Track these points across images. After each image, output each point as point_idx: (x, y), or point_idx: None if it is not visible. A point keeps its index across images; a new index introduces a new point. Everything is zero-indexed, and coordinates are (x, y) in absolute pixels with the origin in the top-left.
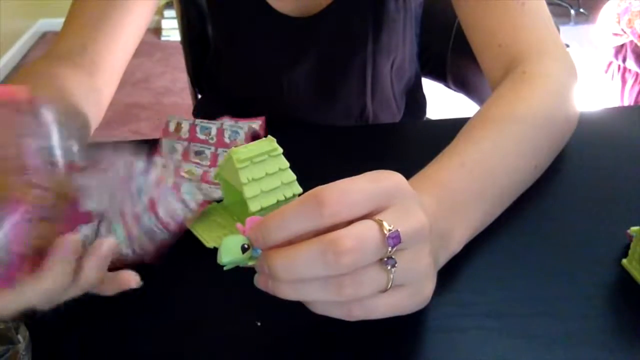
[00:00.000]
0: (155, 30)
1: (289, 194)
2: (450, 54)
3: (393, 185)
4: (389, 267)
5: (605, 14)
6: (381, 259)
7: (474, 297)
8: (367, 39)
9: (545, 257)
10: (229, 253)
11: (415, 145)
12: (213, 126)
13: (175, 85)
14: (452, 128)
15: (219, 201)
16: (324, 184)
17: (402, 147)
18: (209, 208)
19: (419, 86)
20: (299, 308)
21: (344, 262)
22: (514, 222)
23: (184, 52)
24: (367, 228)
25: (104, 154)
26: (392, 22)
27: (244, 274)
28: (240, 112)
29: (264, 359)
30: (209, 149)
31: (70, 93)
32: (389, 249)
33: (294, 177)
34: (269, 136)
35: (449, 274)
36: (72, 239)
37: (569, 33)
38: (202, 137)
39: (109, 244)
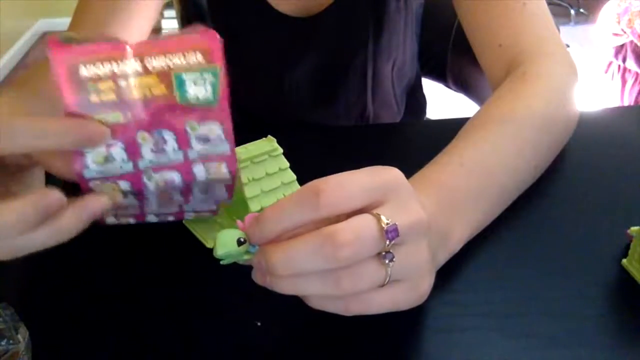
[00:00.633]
0: (155, 30)
1: (289, 194)
2: (450, 54)
3: (391, 179)
4: (387, 262)
5: (605, 14)
6: (379, 254)
7: (474, 297)
8: (367, 39)
9: (545, 257)
10: (224, 246)
11: (415, 145)
12: None
13: None
14: (452, 128)
15: None
16: None
17: (402, 147)
18: None
19: (419, 86)
20: (298, 308)
21: (341, 255)
22: (514, 222)
23: None
24: (365, 222)
25: None
26: (393, 22)
27: (243, 274)
28: (241, 111)
29: (264, 359)
30: None
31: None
32: (387, 243)
33: (294, 177)
34: (269, 136)
35: (449, 274)
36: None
37: (569, 33)
38: None
39: (101, 203)
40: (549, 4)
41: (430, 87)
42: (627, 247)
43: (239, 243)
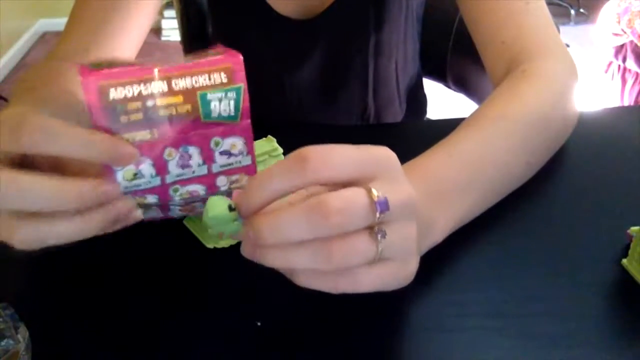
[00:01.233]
0: (155, 30)
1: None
2: (450, 54)
3: (382, 156)
4: (378, 237)
5: (605, 14)
6: (371, 229)
7: (474, 297)
8: (368, 40)
9: (545, 257)
10: (214, 209)
11: (415, 145)
12: None
13: None
14: (452, 128)
15: None
16: None
17: (402, 147)
18: None
19: (420, 85)
20: (298, 308)
21: (331, 222)
22: (514, 222)
23: (184, 52)
24: (354, 192)
25: None
26: (394, 22)
27: (243, 274)
28: None
29: (264, 359)
30: None
31: (74, 93)
32: (377, 215)
33: None
34: (269, 136)
35: (449, 274)
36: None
37: (569, 33)
38: None
39: (126, 204)
40: (549, 4)
41: (430, 87)
42: (627, 247)
43: (230, 209)
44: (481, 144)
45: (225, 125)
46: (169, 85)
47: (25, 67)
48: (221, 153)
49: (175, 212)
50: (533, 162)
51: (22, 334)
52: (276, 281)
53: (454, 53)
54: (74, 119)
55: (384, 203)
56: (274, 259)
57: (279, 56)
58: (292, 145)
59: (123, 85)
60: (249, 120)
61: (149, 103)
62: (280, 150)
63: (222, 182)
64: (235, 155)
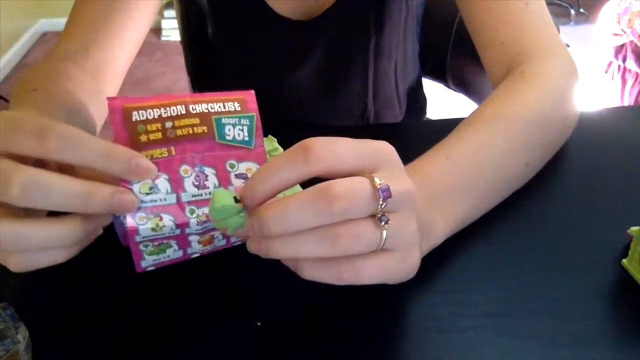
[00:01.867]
0: (155, 30)
1: (289, 194)
2: (450, 54)
3: (383, 149)
4: (382, 224)
5: (605, 14)
6: (375, 216)
7: (473, 297)
8: (368, 40)
9: (545, 257)
10: (220, 200)
11: (415, 145)
12: None
13: (175, 85)
14: (452, 128)
15: None
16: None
17: (402, 147)
18: None
19: (419, 85)
20: (298, 308)
21: (335, 207)
22: (514, 222)
23: (184, 52)
24: (358, 180)
25: None
26: (394, 22)
27: (243, 274)
28: None
29: (263, 358)
30: None
31: (74, 93)
32: (380, 202)
33: None
34: (269, 136)
35: (449, 274)
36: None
37: (569, 33)
38: None
39: (130, 201)
40: (549, 4)
41: (430, 87)
42: (627, 247)
43: (236, 201)
44: (480, 145)
45: (240, 149)
46: (187, 108)
47: (25, 67)
48: (237, 176)
49: (195, 246)
50: (533, 162)
51: (22, 334)
52: (276, 281)
53: (454, 53)
54: (74, 119)
55: (387, 190)
56: (280, 249)
57: (279, 57)
58: (292, 145)
59: (145, 108)
60: (263, 148)
61: (168, 124)
62: (281, 150)
63: None
64: None
